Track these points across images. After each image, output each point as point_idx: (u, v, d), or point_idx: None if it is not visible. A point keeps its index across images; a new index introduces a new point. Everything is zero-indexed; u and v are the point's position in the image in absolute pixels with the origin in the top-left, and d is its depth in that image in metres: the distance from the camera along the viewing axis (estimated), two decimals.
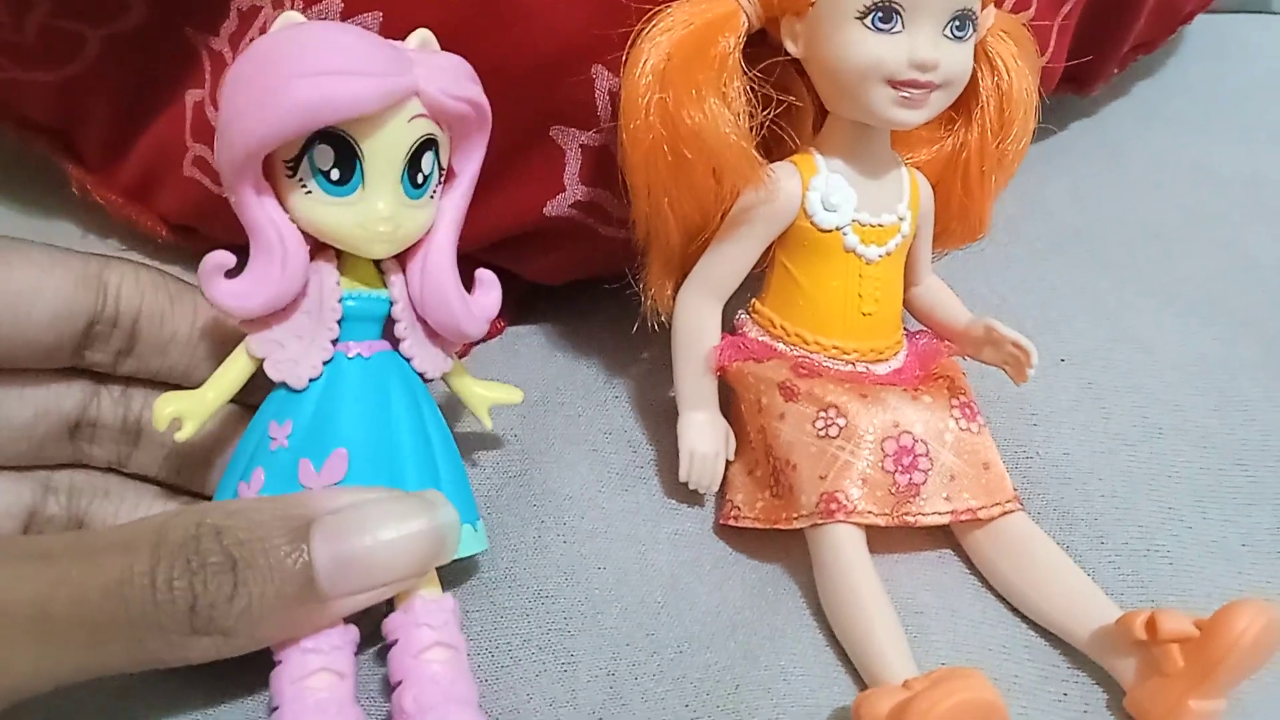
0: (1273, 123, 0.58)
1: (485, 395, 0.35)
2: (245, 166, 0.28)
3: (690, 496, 0.37)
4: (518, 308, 0.45)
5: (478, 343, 0.41)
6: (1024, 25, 0.36)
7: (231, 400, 0.30)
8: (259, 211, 0.28)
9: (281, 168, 0.29)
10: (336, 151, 0.28)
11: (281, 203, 0.29)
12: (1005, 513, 0.33)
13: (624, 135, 0.33)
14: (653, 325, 0.36)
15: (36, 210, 0.48)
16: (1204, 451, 0.38)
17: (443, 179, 0.31)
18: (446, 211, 0.31)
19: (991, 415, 0.38)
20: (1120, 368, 0.42)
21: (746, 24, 0.33)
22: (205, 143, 0.38)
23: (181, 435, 0.29)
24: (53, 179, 0.45)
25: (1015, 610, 0.33)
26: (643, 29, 0.33)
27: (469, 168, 0.31)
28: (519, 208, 0.38)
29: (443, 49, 0.31)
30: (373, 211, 0.29)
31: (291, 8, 0.35)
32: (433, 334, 0.32)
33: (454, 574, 0.31)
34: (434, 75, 0.28)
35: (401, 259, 0.31)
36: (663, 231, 0.34)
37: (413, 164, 0.29)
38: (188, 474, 0.33)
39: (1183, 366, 0.42)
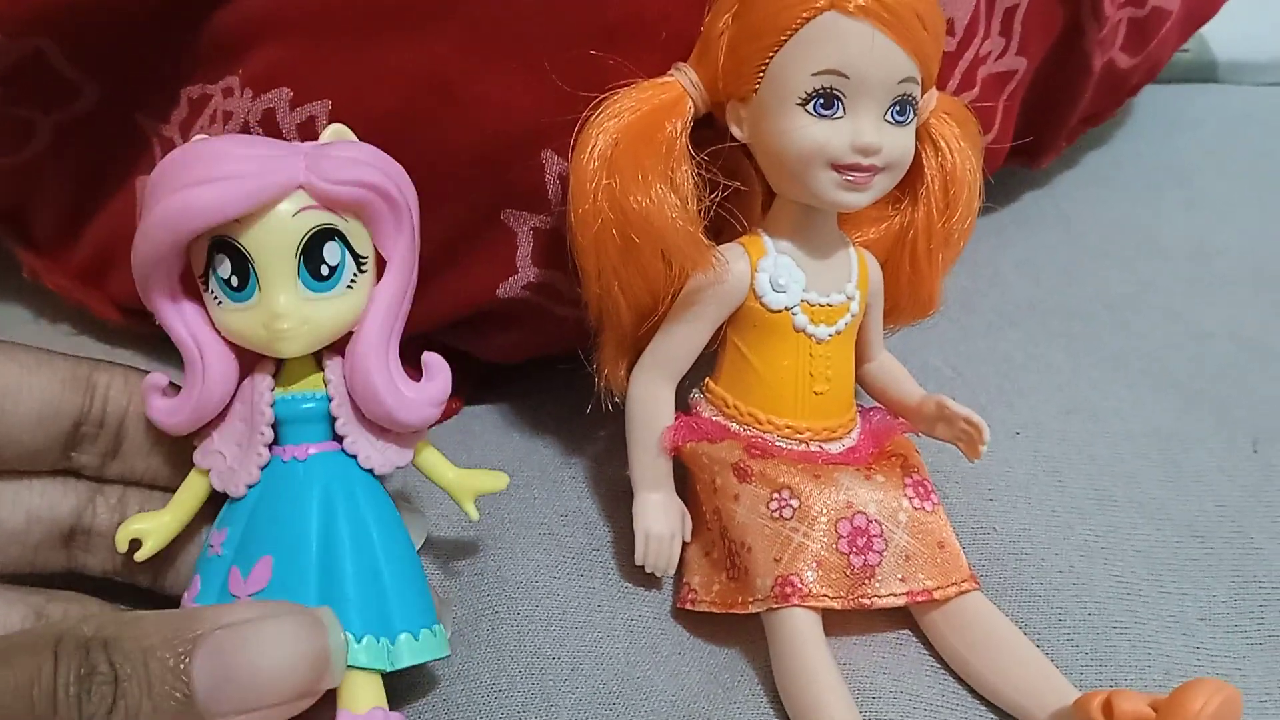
0: (1218, 192, 0.60)
1: (466, 484, 0.33)
2: (148, 284, 0.29)
3: (647, 580, 0.36)
4: (473, 387, 0.44)
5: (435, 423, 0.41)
6: (967, 106, 0.37)
7: None
8: (176, 325, 0.30)
9: (199, 282, 0.29)
10: (231, 258, 0.28)
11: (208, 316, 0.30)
12: (961, 592, 0.33)
13: (573, 219, 0.33)
14: (606, 405, 0.36)
15: None
16: (1159, 523, 0.38)
17: (364, 267, 0.30)
18: (376, 300, 0.30)
19: (948, 490, 0.38)
20: (1075, 439, 0.42)
21: (693, 109, 0.34)
22: None
23: (140, 555, 0.30)
24: (5, 262, 0.45)
25: (974, 692, 0.33)
26: (590, 115, 0.33)
27: (395, 252, 0.30)
28: (472, 289, 0.38)
29: (393, 135, 0.31)
30: (270, 310, 0.28)
31: (241, 96, 0.35)
32: (379, 427, 0.31)
33: (407, 671, 0.31)
34: (321, 165, 0.28)
35: (342, 351, 0.31)
36: (614, 313, 0.34)
37: (313, 257, 0.29)
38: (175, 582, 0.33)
39: (1136, 437, 0.42)
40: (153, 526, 0.30)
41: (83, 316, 0.45)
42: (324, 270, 0.29)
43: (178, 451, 0.32)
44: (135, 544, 0.30)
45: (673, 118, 0.33)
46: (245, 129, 0.35)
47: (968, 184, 0.36)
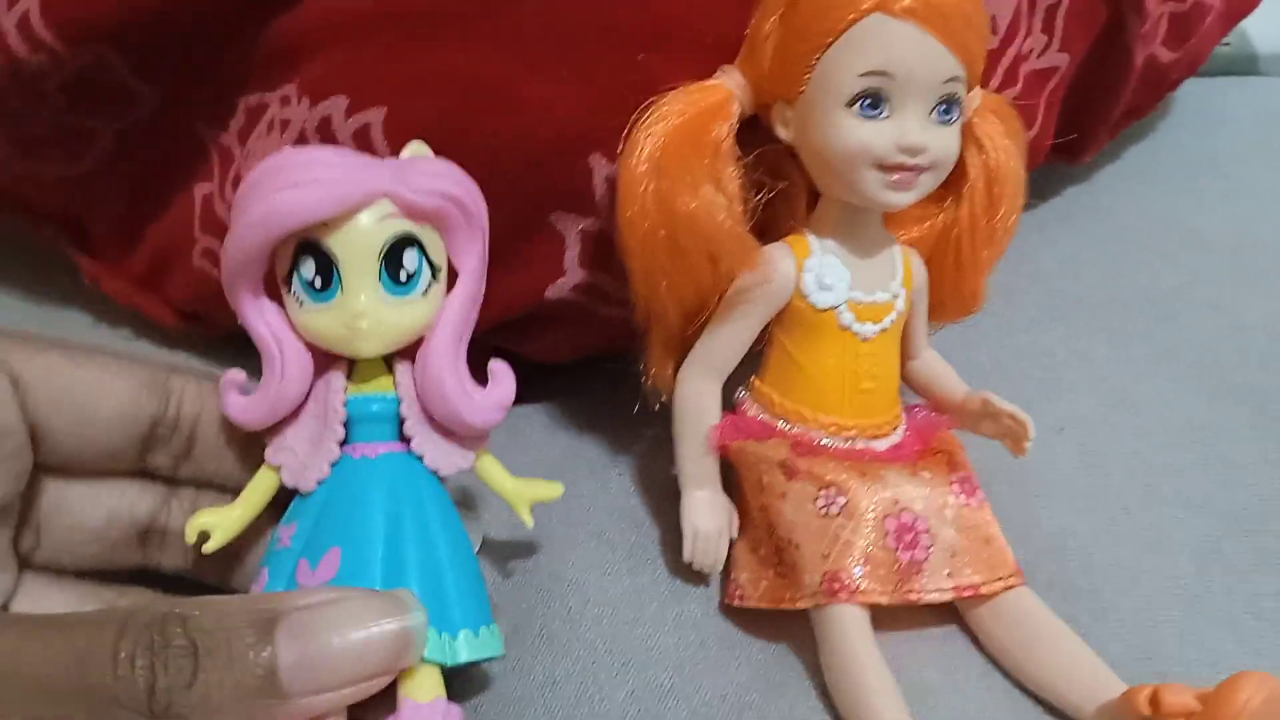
0: (1259, 184, 0.59)
1: (523, 492, 0.34)
2: (235, 284, 0.30)
3: (696, 576, 0.37)
4: (522, 386, 0.45)
5: None
6: (1010, 104, 0.37)
7: None
8: (258, 325, 0.31)
9: (283, 283, 0.30)
10: (316, 260, 0.30)
11: (288, 317, 0.31)
12: (1008, 587, 0.34)
13: (621, 223, 0.34)
14: (653, 405, 0.37)
15: (49, 300, 0.48)
16: (1205, 518, 0.39)
17: (438, 276, 0.31)
18: (449, 307, 0.32)
19: (993, 487, 0.38)
20: (1119, 434, 0.42)
21: (739, 111, 0.34)
22: (213, 235, 0.39)
23: (208, 547, 0.31)
24: (63, 268, 0.46)
25: (1022, 686, 0.33)
26: (638, 119, 0.33)
27: (467, 263, 0.32)
28: (521, 291, 0.39)
29: (444, 140, 0.33)
30: (350, 309, 0.30)
31: (298, 105, 0.36)
32: (447, 430, 0.32)
33: (462, 667, 0.31)
34: (405, 176, 0.30)
35: (412, 356, 0.32)
36: (662, 314, 0.35)
37: (393, 262, 0.30)
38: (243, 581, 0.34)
39: (1180, 431, 0.42)
40: (221, 520, 0.31)
41: (141, 321, 0.46)
42: (403, 276, 0.30)
43: (246, 455, 0.33)
44: (204, 537, 0.31)
45: (719, 120, 0.34)
46: (302, 137, 0.35)
47: (1011, 181, 0.36)
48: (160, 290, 0.43)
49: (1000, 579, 0.34)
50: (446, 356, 0.31)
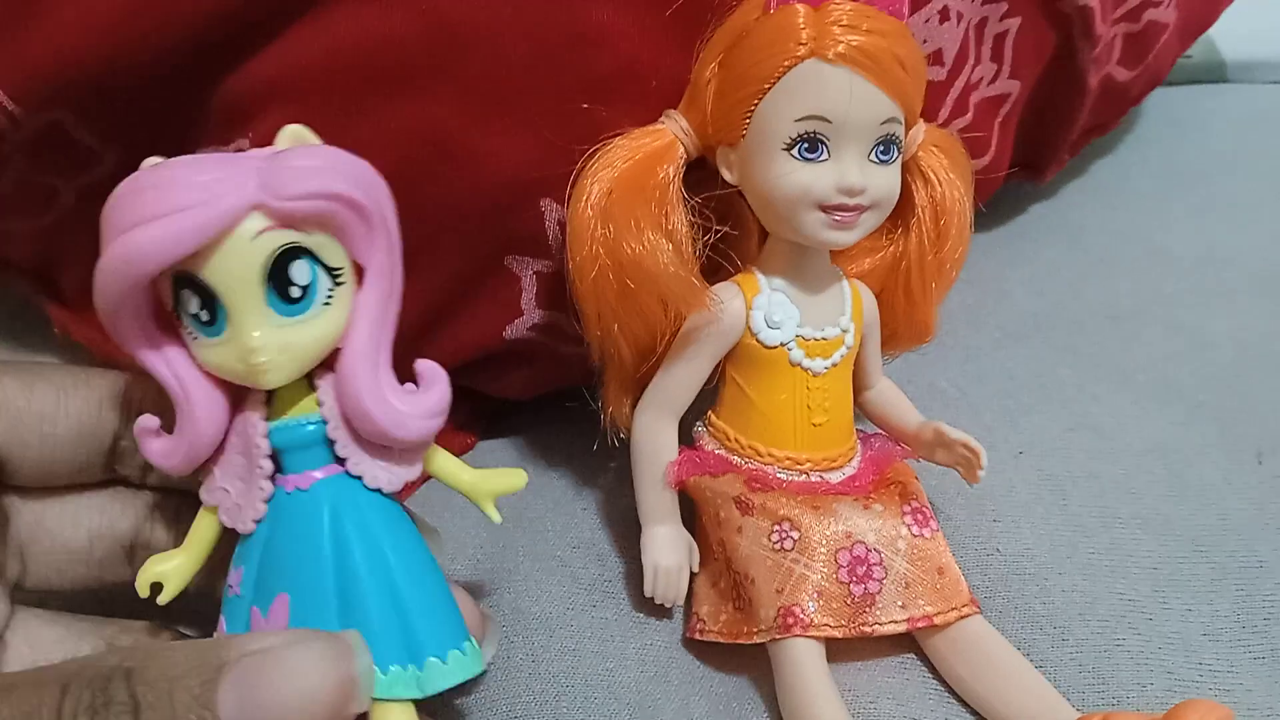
0: (1227, 196, 0.60)
1: (483, 485, 0.32)
2: (115, 327, 0.27)
3: (657, 610, 0.37)
4: (487, 422, 0.46)
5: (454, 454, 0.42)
6: (955, 136, 0.38)
7: None
8: (158, 365, 0.28)
9: (171, 316, 0.28)
10: (196, 293, 0.27)
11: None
12: (962, 617, 0.34)
13: (572, 267, 0.34)
14: (612, 440, 0.37)
15: (23, 349, 0.49)
16: (1163, 539, 0.39)
17: (340, 279, 0.28)
18: (359, 309, 0.29)
19: (952, 513, 0.39)
20: (1078, 457, 0.42)
21: (684, 154, 0.35)
22: None
23: (162, 599, 0.30)
24: (36, 317, 0.47)
25: (977, 715, 0.33)
26: (585, 164, 0.34)
27: (372, 258, 0.28)
28: (480, 332, 0.39)
29: (397, 191, 0.30)
30: (244, 345, 0.27)
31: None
32: (379, 446, 0.29)
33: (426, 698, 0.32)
34: (274, 180, 0.26)
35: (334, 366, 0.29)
36: (616, 353, 0.36)
37: (280, 279, 0.27)
38: None
39: (1140, 452, 0.42)
40: (171, 569, 0.30)
41: (112, 368, 0.47)
42: (295, 292, 0.27)
43: None
44: (157, 588, 0.30)
45: (664, 163, 0.34)
46: None
47: (958, 214, 0.37)
48: None
49: (954, 609, 0.34)
50: (363, 367, 0.28)
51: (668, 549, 0.36)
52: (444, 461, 0.31)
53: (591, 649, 0.36)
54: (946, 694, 0.34)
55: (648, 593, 0.36)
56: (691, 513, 0.37)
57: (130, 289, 0.26)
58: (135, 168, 0.39)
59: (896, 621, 0.33)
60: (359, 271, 0.29)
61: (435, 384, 0.30)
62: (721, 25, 0.34)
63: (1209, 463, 0.42)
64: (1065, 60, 0.47)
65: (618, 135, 0.34)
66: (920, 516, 0.35)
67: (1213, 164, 0.64)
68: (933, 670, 0.35)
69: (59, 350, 0.48)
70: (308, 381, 0.29)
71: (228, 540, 0.30)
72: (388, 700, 0.28)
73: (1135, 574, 0.38)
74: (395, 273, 0.29)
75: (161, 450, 0.29)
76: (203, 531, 0.30)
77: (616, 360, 0.36)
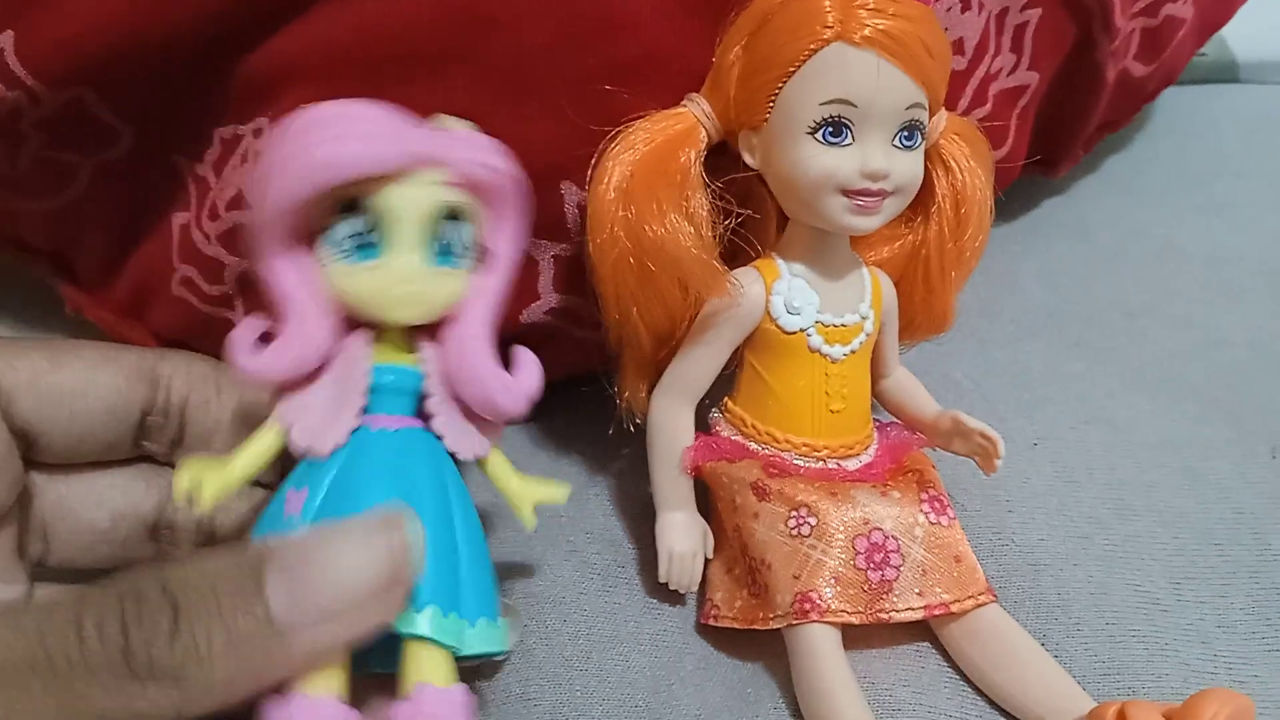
0: (1238, 195, 0.60)
1: (526, 493, 0.33)
2: (268, 234, 0.29)
3: (671, 596, 0.37)
4: None
5: None
6: (976, 125, 0.38)
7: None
8: (283, 279, 0.29)
9: (315, 238, 0.29)
10: (359, 219, 0.29)
11: (317, 276, 0.29)
12: (978, 605, 0.34)
13: (591, 249, 0.34)
14: (629, 426, 0.37)
15: (36, 328, 0.49)
16: (1178, 532, 0.39)
17: (478, 255, 0.31)
18: (483, 288, 0.31)
19: (966, 503, 0.39)
20: (1093, 449, 0.42)
21: (706, 138, 0.35)
22: (192, 264, 0.40)
23: (200, 506, 0.28)
24: (48, 299, 0.47)
25: (993, 703, 0.33)
26: (606, 147, 0.34)
27: (503, 244, 0.31)
28: None
29: None
30: (394, 272, 0.29)
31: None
32: (468, 413, 0.31)
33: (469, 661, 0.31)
34: (459, 146, 0.29)
35: (437, 335, 0.31)
36: (634, 338, 0.35)
37: (439, 232, 0.29)
38: None
39: (1154, 446, 0.43)
40: (213, 473, 0.29)
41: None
42: (447, 246, 0.29)
43: (238, 435, 0.31)
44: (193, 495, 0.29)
45: (686, 147, 0.34)
46: None
47: (978, 203, 0.37)
48: (142, 319, 0.44)
49: (970, 597, 0.34)
50: (483, 338, 0.30)
51: (683, 534, 0.36)
52: (498, 460, 0.33)
53: (605, 634, 0.36)
54: (962, 682, 0.34)
55: (662, 578, 0.36)
56: (706, 499, 0.37)
57: (316, 190, 0.28)
58: (149, 148, 0.39)
59: (914, 609, 0.33)
60: (481, 255, 0.31)
61: (531, 369, 0.32)
62: (746, 8, 0.34)
63: (1222, 457, 0.42)
64: (1084, 53, 0.47)
65: (639, 118, 0.34)
66: (938, 504, 0.35)
67: (1224, 163, 0.64)
68: (948, 659, 0.35)
69: (71, 331, 0.48)
70: (406, 340, 0.31)
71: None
72: (430, 644, 0.28)
73: (1150, 566, 0.38)
74: (514, 265, 0.32)
75: (260, 361, 0.29)
76: (260, 447, 0.30)
77: (634, 344, 0.36)
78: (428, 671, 0.27)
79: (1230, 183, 0.61)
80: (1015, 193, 0.55)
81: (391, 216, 0.28)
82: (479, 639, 0.29)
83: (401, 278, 0.29)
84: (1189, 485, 0.41)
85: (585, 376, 0.39)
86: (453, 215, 0.29)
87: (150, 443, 0.32)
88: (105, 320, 0.45)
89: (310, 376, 0.30)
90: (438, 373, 0.30)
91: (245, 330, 0.29)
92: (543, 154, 0.35)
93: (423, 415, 0.31)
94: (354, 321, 0.30)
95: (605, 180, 0.34)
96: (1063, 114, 0.50)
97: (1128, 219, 0.58)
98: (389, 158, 0.28)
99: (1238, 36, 0.74)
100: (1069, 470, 0.41)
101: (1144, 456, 0.42)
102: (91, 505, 0.32)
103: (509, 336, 0.40)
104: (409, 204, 0.28)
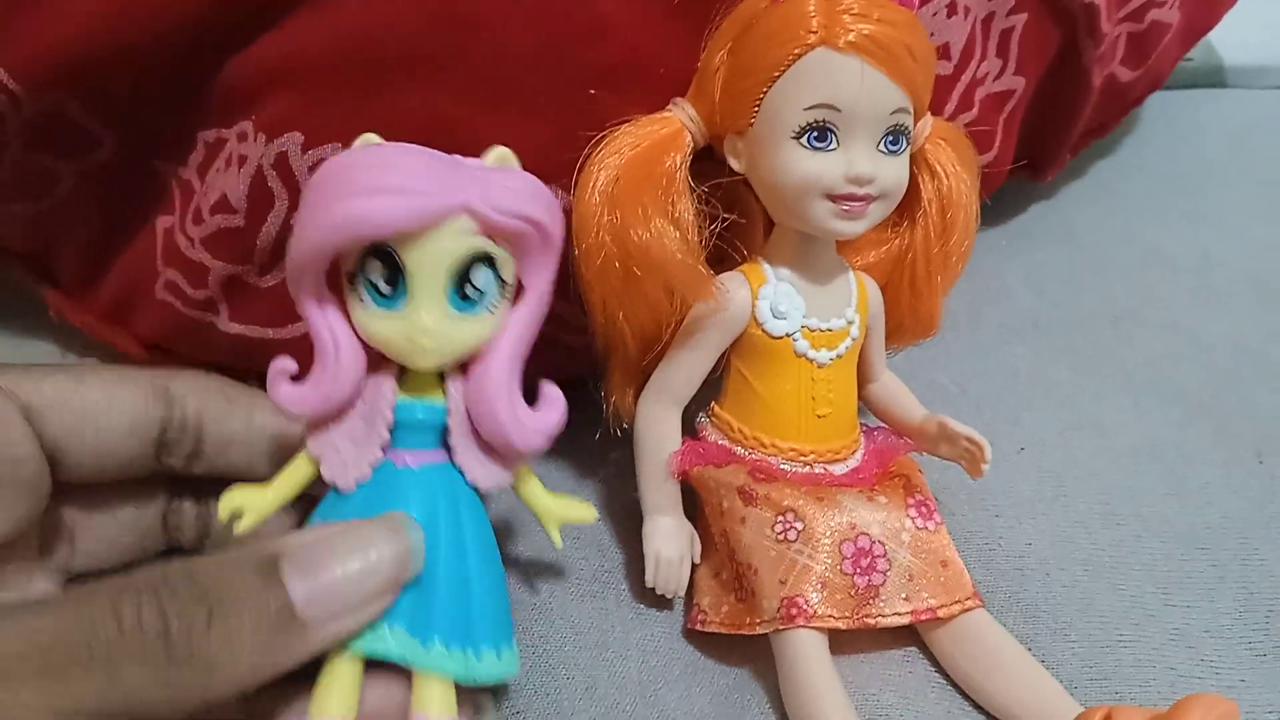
0: (1224, 201, 0.60)
1: (555, 511, 0.34)
2: (301, 278, 0.30)
3: (658, 601, 0.37)
4: None
5: None
6: (962, 130, 0.38)
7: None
8: (317, 319, 0.30)
9: (346, 280, 0.30)
10: (385, 265, 0.29)
11: (347, 313, 0.31)
12: (965, 610, 0.34)
13: (578, 254, 0.34)
14: (615, 430, 0.37)
15: (19, 333, 0.49)
16: (1163, 537, 0.39)
17: (509, 293, 0.31)
18: (512, 325, 0.31)
19: (953, 507, 0.39)
20: (1078, 455, 0.42)
21: (692, 142, 0.35)
22: (176, 267, 0.39)
23: (240, 527, 0.31)
24: (31, 301, 0.46)
25: (980, 708, 0.33)
26: (592, 151, 0.34)
27: (536, 284, 0.31)
28: None
29: None
30: (416, 324, 0.30)
31: (255, 141, 0.36)
32: (488, 446, 0.32)
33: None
34: (490, 193, 0.29)
35: (465, 369, 0.32)
36: (620, 342, 0.35)
37: (463, 278, 0.30)
38: None
39: (1140, 451, 0.43)
40: (255, 500, 0.31)
41: (108, 352, 0.46)
42: (471, 292, 0.30)
43: (250, 446, 0.34)
44: (236, 516, 0.31)
45: (672, 151, 0.34)
46: (259, 172, 0.36)
47: (964, 208, 0.37)
48: (125, 323, 0.43)
49: (957, 602, 0.34)
50: (503, 376, 0.31)
51: (670, 539, 0.36)
52: (529, 480, 0.34)
53: (592, 640, 0.36)
54: (949, 688, 0.34)
55: (649, 583, 0.36)
56: (693, 504, 0.37)
57: (343, 245, 0.29)
58: (132, 152, 0.39)
59: (900, 613, 0.33)
60: (518, 289, 0.32)
61: (555, 405, 0.32)
62: (730, 13, 0.34)
63: (1208, 462, 0.42)
64: (1070, 58, 0.47)
65: (624, 123, 0.34)
66: (924, 509, 0.35)
67: (1210, 168, 0.65)
68: (935, 664, 0.35)
69: (57, 335, 0.48)
70: (437, 375, 0.32)
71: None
72: (435, 674, 0.29)
73: (1137, 571, 0.38)
74: (548, 298, 0.32)
75: (292, 394, 0.31)
76: (295, 475, 0.31)
77: (620, 349, 0.36)
78: (430, 701, 0.29)
79: (1217, 188, 0.62)
80: (1002, 198, 0.55)
81: (416, 268, 0.29)
82: (490, 668, 0.30)
83: (424, 330, 0.30)
84: (1175, 490, 0.41)
85: (572, 381, 0.39)
86: (480, 261, 0.30)
87: (168, 456, 0.33)
88: (88, 325, 0.44)
89: (341, 408, 0.31)
90: (460, 409, 0.31)
91: (280, 364, 0.31)
92: (528, 158, 0.34)
93: (447, 447, 0.32)
94: (382, 357, 0.31)
95: (590, 185, 0.33)
96: (1049, 119, 0.50)
97: (1114, 224, 0.58)
98: (417, 216, 0.28)
99: (1224, 42, 0.75)
100: (1055, 475, 0.41)
101: (1130, 461, 0.42)
102: (114, 520, 0.34)
103: None
104: (437, 256, 0.29)
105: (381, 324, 0.30)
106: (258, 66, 0.34)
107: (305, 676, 0.28)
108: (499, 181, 0.30)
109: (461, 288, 0.30)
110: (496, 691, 0.34)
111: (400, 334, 0.30)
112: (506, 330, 0.31)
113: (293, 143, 0.35)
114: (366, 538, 0.28)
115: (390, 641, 0.28)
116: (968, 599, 0.34)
